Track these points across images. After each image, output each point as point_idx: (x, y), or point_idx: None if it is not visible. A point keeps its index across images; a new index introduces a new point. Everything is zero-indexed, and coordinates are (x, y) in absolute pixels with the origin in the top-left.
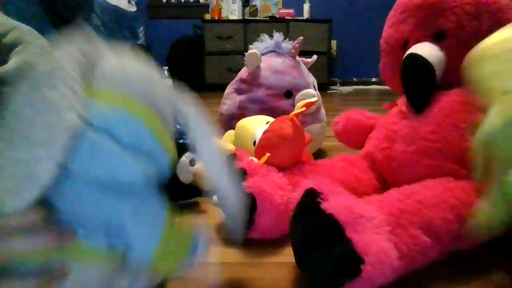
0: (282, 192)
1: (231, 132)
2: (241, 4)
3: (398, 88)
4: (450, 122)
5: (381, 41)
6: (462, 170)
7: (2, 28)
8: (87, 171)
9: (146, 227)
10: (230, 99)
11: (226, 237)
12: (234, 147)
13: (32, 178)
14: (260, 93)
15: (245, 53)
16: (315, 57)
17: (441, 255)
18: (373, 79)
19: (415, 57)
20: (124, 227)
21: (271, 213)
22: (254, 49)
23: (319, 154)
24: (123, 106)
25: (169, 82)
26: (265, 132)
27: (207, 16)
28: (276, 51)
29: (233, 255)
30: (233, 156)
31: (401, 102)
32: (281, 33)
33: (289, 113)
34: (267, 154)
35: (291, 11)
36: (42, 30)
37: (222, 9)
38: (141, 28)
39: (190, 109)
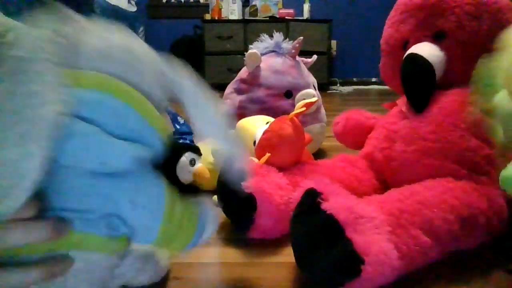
0: (282, 192)
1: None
2: (241, 4)
3: (398, 88)
4: (450, 122)
5: (381, 41)
6: (462, 170)
7: (2, 28)
8: (77, 162)
9: (145, 212)
10: (230, 99)
11: (226, 237)
12: None
13: (22, 175)
14: (260, 93)
15: (245, 53)
16: (315, 57)
17: (441, 255)
18: (373, 79)
19: (415, 57)
20: (122, 217)
21: (271, 213)
22: (254, 49)
23: (319, 154)
24: (108, 91)
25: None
26: (265, 132)
27: (207, 16)
28: (276, 51)
29: (233, 255)
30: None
31: (401, 102)
32: (281, 33)
33: (289, 113)
34: (267, 154)
35: (291, 11)
36: None
37: (222, 9)
38: (141, 28)
39: (183, 79)
